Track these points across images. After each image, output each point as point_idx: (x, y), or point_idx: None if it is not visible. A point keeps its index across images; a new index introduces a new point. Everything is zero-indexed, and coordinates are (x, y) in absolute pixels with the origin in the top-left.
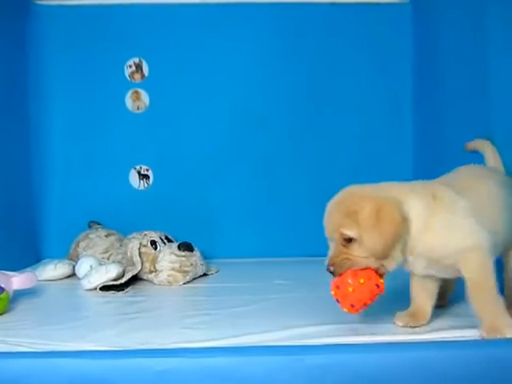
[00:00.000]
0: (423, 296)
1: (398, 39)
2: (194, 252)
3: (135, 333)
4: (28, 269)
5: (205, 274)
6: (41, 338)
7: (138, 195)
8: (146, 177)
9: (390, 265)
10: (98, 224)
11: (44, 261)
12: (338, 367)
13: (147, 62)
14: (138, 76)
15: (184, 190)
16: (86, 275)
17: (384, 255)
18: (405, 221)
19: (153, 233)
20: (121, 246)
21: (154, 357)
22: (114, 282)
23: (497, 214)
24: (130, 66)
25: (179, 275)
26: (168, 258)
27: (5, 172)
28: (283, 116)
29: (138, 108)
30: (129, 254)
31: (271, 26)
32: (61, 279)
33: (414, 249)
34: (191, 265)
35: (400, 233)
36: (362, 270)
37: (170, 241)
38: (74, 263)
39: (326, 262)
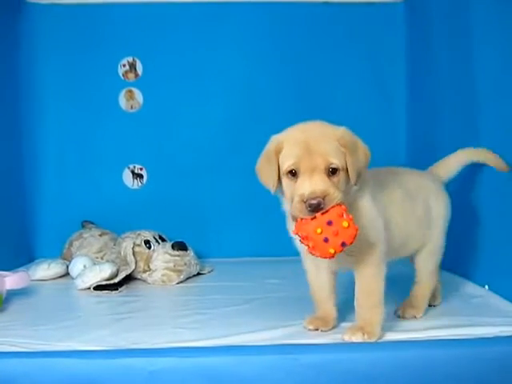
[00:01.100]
0: (325, 294)
1: (392, 38)
2: (188, 251)
3: (128, 332)
4: (21, 268)
5: (199, 274)
6: (34, 337)
7: (132, 194)
8: (140, 176)
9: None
10: (92, 223)
11: (37, 260)
12: (333, 366)
13: (141, 61)
14: (131, 75)
15: (178, 189)
16: (79, 275)
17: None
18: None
19: (147, 232)
20: (114, 245)
21: (146, 356)
22: (108, 282)
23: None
24: (124, 65)
25: (173, 274)
26: (162, 258)
27: None
28: (277, 115)
29: (131, 107)
30: (122, 253)
31: (264, 24)
32: (54, 279)
33: None
34: (185, 264)
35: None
36: (338, 206)
37: (163, 240)
38: (68, 263)
39: (311, 194)
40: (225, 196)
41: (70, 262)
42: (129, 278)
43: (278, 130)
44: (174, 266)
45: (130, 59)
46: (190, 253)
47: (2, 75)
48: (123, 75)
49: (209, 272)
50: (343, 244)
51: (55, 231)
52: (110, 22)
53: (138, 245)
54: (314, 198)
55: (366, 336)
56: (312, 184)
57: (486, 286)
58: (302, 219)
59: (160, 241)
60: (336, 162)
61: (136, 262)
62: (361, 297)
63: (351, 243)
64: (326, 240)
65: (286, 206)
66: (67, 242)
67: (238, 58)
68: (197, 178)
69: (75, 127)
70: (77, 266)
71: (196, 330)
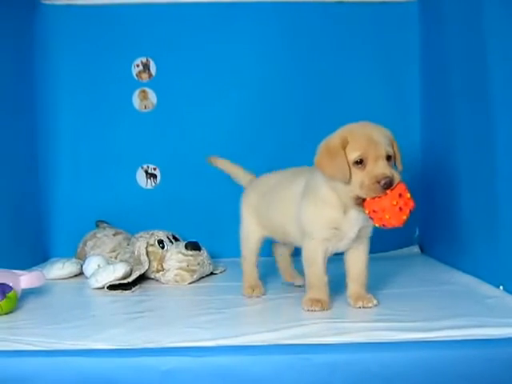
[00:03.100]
0: None
1: (405, 37)
2: (201, 251)
3: (142, 332)
4: (36, 268)
5: (212, 273)
6: (48, 336)
7: (146, 194)
8: (154, 176)
9: None
10: (106, 223)
11: (52, 260)
12: (345, 366)
13: (154, 62)
14: (145, 75)
15: (191, 189)
16: (93, 274)
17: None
18: None
19: (160, 232)
20: (128, 245)
21: (159, 356)
22: (122, 281)
23: None
24: (138, 66)
25: (186, 274)
26: (175, 257)
27: (13, 171)
28: (291, 114)
29: (145, 107)
30: (136, 253)
31: (278, 24)
32: (68, 278)
33: None
34: (198, 264)
35: None
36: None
37: (177, 240)
38: (82, 262)
39: (383, 175)
40: (238, 196)
41: (83, 261)
42: (142, 278)
43: (292, 130)
44: (188, 265)
45: (144, 59)
46: (204, 253)
47: (17, 76)
48: (137, 75)
49: (222, 272)
50: (410, 211)
51: (69, 231)
52: (123, 23)
53: (152, 244)
54: (385, 178)
55: (374, 301)
56: (381, 168)
57: (501, 287)
58: (373, 198)
59: (173, 241)
60: (390, 150)
61: (149, 262)
62: (365, 270)
63: (413, 210)
64: (400, 209)
65: (347, 193)
66: (81, 241)
67: (251, 58)
68: (210, 177)
69: (89, 127)
70: (91, 265)
71: (209, 329)
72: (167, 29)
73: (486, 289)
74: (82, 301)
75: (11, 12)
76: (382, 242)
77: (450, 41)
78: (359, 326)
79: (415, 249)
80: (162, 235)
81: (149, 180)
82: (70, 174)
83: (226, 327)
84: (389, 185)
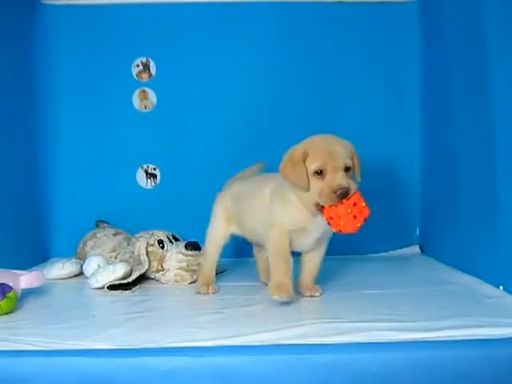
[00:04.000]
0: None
1: (405, 37)
2: (201, 251)
3: (142, 332)
4: (36, 268)
5: None
6: (48, 336)
7: (146, 194)
8: (154, 176)
9: None
10: (106, 223)
11: (52, 260)
12: (345, 366)
13: (154, 62)
14: (145, 75)
15: (191, 189)
16: (93, 274)
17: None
18: None
19: (160, 232)
20: (128, 245)
21: (159, 356)
22: (122, 281)
23: None
24: (138, 66)
25: (186, 274)
26: (175, 257)
27: (13, 171)
28: (290, 114)
29: (145, 107)
30: (136, 253)
31: (277, 24)
32: (68, 278)
33: None
34: (198, 264)
35: None
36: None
37: (177, 240)
38: (82, 262)
39: (339, 186)
40: None
41: (83, 261)
42: (142, 278)
43: (291, 130)
44: (188, 265)
45: (144, 59)
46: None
47: (17, 75)
48: (137, 75)
49: (221, 272)
50: (365, 219)
51: (69, 231)
52: (123, 23)
53: (152, 244)
54: (342, 188)
55: (320, 291)
56: (338, 179)
57: (501, 287)
58: (330, 206)
59: (173, 240)
60: (349, 162)
61: (149, 262)
62: (318, 266)
63: (368, 218)
64: (354, 217)
65: (309, 200)
66: (81, 241)
67: (250, 58)
68: (210, 177)
69: (89, 127)
70: (91, 265)
71: (209, 329)
72: (167, 29)
73: (486, 289)
74: (81, 301)
75: (11, 12)
76: (382, 242)
77: (450, 41)
78: (359, 325)
79: (415, 249)
80: (161, 235)
81: (149, 180)
82: (70, 174)
83: (225, 327)
84: (344, 195)
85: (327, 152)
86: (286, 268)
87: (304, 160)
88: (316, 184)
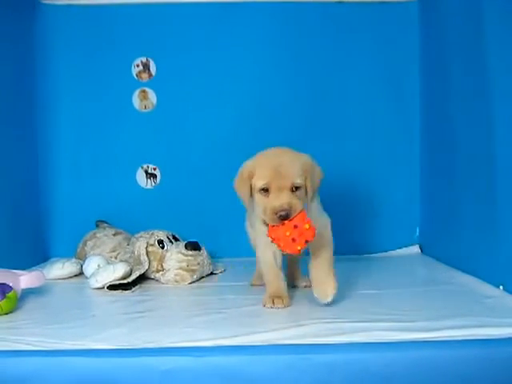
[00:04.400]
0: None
1: (405, 37)
2: (201, 251)
3: (142, 331)
4: (36, 268)
5: (212, 273)
6: (48, 336)
7: (146, 194)
8: (154, 176)
9: None
10: (106, 223)
11: (52, 260)
12: (345, 366)
13: (154, 62)
14: (145, 75)
15: (191, 189)
16: (93, 274)
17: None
18: None
19: (160, 232)
20: (128, 245)
21: (159, 356)
22: (122, 281)
23: None
24: (138, 66)
25: (186, 274)
26: (175, 257)
27: (13, 171)
28: (289, 114)
29: (145, 107)
30: (136, 253)
31: (277, 24)
32: (68, 278)
33: None
34: (198, 264)
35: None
36: (300, 215)
37: (177, 240)
38: (82, 262)
39: (280, 208)
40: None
41: (83, 261)
42: (142, 278)
43: (292, 130)
44: (188, 265)
45: (144, 59)
46: (203, 253)
47: (17, 75)
48: (137, 75)
49: (221, 272)
50: (306, 241)
51: (69, 231)
52: (123, 23)
53: (152, 244)
54: (282, 210)
55: (334, 291)
56: (280, 199)
57: (501, 287)
58: (273, 225)
59: (173, 240)
60: (299, 181)
61: (149, 262)
62: (327, 266)
63: (312, 240)
64: (293, 240)
65: (258, 215)
66: (81, 241)
67: (251, 58)
68: (210, 177)
69: (89, 127)
70: (91, 265)
71: (209, 329)
72: (167, 29)
73: (486, 289)
74: (82, 301)
75: (11, 12)
76: (382, 242)
77: (450, 41)
78: (359, 325)
79: (415, 249)
80: (162, 235)
81: (149, 180)
82: (70, 174)
83: (225, 327)
84: (285, 217)
85: (274, 170)
86: (277, 280)
87: (251, 177)
88: (262, 202)
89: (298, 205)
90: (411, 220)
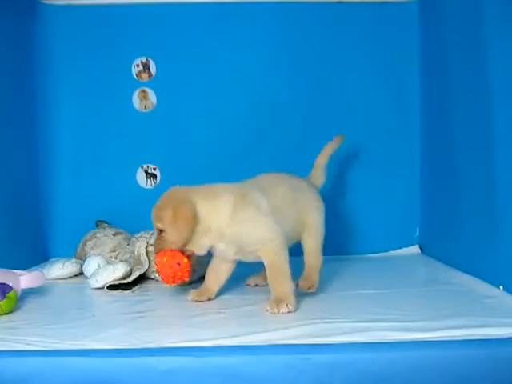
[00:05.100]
0: (212, 276)
1: (405, 38)
2: None
3: (142, 331)
4: (36, 268)
5: None
6: (48, 336)
7: (146, 194)
8: (154, 176)
9: (198, 250)
10: (106, 223)
11: (52, 260)
12: (345, 366)
13: (154, 62)
14: (145, 75)
15: None
16: (93, 274)
17: (183, 244)
18: (196, 218)
19: None
20: (128, 245)
21: (159, 355)
22: (122, 281)
23: (288, 211)
24: (138, 66)
25: None
26: None
27: (12, 171)
28: (290, 115)
29: (145, 107)
30: (136, 252)
31: (277, 24)
32: (68, 278)
33: (223, 237)
34: (199, 264)
35: (192, 227)
36: (172, 251)
37: None
38: (82, 262)
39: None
40: None
41: (83, 261)
42: (142, 278)
43: (292, 130)
44: None
45: (144, 59)
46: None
47: (17, 76)
48: (137, 75)
49: None
50: (162, 278)
51: (69, 231)
52: (123, 23)
53: (152, 244)
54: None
55: (289, 306)
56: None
57: (501, 287)
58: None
59: None
60: (158, 225)
61: (149, 262)
62: (272, 277)
63: (174, 277)
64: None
65: None
66: (81, 241)
67: (251, 58)
68: (210, 178)
69: (89, 127)
70: (91, 265)
71: (209, 329)
72: (167, 29)
73: (486, 289)
74: (82, 301)
75: (11, 12)
76: (382, 242)
77: (450, 41)
78: (359, 325)
79: (415, 249)
80: None
81: (149, 180)
82: (70, 174)
83: (226, 327)
84: (156, 253)
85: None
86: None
87: None
88: None
89: (158, 244)
90: (411, 220)
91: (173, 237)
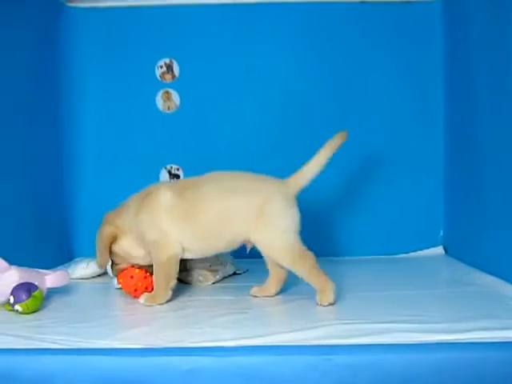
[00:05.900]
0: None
1: (429, 38)
2: None
3: (165, 331)
4: (61, 267)
5: (234, 273)
6: (72, 335)
7: None
8: (177, 176)
9: (141, 261)
10: None
11: (76, 259)
12: (367, 367)
13: (178, 63)
14: (168, 76)
15: None
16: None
17: (104, 263)
18: (112, 236)
19: None
20: None
21: (182, 355)
22: None
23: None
24: (161, 67)
25: (209, 274)
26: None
27: (37, 171)
28: (315, 116)
29: (168, 108)
30: None
31: (301, 25)
32: (93, 278)
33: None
34: (221, 264)
35: (108, 246)
36: (122, 270)
37: None
38: None
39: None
40: None
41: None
42: None
43: (316, 131)
44: (210, 265)
45: (167, 60)
46: (226, 253)
47: (42, 77)
48: (160, 76)
49: (244, 272)
50: (143, 288)
51: (94, 231)
52: (147, 24)
53: None
54: None
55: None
56: None
57: None
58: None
59: None
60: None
61: None
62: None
63: (135, 290)
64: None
65: None
66: None
67: (274, 59)
68: None
69: (113, 128)
70: None
71: (231, 329)
72: (190, 30)
73: (511, 290)
74: (105, 300)
75: (36, 15)
76: (406, 242)
77: (474, 41)
78: (382, 327)
79: (439, 250)
80: None
81: (172, 180)
82: (94, 175)
83: (248, 327)
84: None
85: None
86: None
87: None
88: None
89: (113, 272)
90: (435, 221)
91: (98, 260)
